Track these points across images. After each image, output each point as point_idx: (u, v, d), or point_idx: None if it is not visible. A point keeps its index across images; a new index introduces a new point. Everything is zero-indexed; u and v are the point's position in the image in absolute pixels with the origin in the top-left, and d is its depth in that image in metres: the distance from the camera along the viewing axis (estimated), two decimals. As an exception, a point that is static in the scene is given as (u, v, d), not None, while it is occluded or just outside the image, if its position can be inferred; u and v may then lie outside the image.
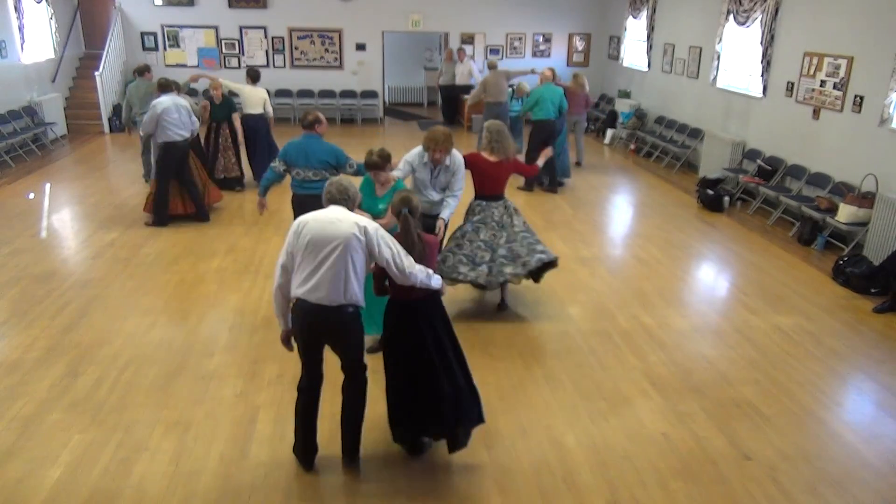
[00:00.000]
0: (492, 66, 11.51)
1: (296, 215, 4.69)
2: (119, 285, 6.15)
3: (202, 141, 8.87)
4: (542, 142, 9.20)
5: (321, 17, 14.14)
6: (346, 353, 3.66)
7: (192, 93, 9.43)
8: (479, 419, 3.77)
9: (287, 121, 14.46)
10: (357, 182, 4.02)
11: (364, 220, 3.45)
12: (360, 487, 3.60)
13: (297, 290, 3.43)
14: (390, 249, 3.40)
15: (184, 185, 7.65)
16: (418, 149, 5.19)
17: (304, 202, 5.00)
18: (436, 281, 3.58)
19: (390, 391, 3.76)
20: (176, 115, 7.35)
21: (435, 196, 5.29)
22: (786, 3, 8.67)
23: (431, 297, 3.65)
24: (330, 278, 3.35)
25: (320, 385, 3.73)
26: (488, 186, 5.46)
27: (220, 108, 8.90)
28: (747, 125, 9.60)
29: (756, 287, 6.38)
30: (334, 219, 3.41)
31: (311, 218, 3.44)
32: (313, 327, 3.49)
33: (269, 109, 9.42)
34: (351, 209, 3.55)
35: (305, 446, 3.76)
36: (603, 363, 4.93)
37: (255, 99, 9.22)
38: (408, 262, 3.43)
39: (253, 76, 9.42)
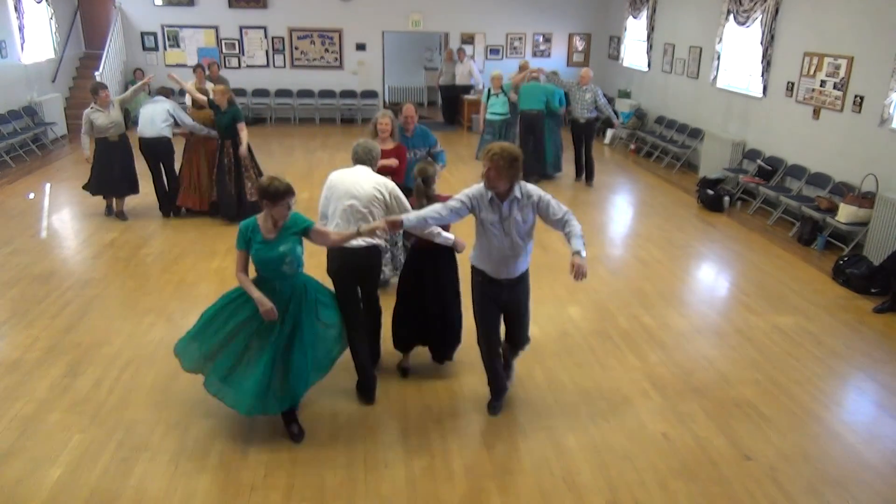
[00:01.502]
0: (523, 68, 10.96)
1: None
2: (119, 285, 6.15)
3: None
4: (525, 130, 9.81)
5: (321, 17, 14.15)
6: (367, 288, 4.46)
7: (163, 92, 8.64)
8: (457, 341, 4.72)
9: (287, 121, 14.48)
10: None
11: (382, 180, 4.25)
12: (361, 487, 3.59)
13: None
14: (402, 203, 4.23)
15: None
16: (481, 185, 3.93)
17: None
18: (443, 238, 4.19)
19: (402, 313, 4.61)
20: (148, 115, 7.73)
21: (506, 248, 3.87)
22: (786, 3, 8.67)
23: (448, 249, 4.37)
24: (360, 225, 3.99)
25: (358, 318, 4.31)
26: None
27: (224, 119, 7.54)
28: (747, 125, 9.60)
29: (756, 287, 6.38)
30: (360, 179, 4.20)
31: (340, 174, 4.29)
32: (346, 267, 4.20)
33: None
34: (373, 168, 4.36)
35: (364, 381, 4.39)
36: (603, 363, 4.93)
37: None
38: (413, 214, 3.98)
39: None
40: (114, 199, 7.99)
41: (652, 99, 12.73)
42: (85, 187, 7.93)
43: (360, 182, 4.18)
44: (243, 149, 7.52)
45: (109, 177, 7.70)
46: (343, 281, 4.23)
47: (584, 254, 3.73)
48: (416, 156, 5.89)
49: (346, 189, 4.16)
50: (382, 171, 4.73)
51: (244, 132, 7.54)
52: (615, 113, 11.10)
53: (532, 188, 3.86)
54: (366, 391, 4.35)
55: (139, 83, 8.03)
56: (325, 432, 4.03)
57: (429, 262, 4.47)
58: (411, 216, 3.84)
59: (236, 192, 7.69)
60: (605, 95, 9.96)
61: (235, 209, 7.66)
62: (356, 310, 4.29)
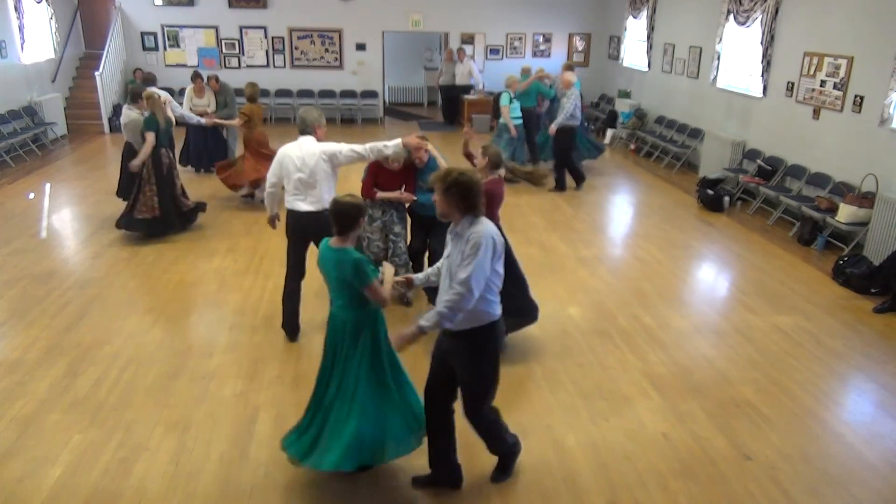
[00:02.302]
0: (526, 72, 11.01)
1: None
2: (119, 285, 6.15)
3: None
4: (523, 126, 9.97)
5: (321, 17, 14.15)
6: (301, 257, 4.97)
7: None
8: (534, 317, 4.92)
9: (287, 121, 14.47)
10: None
11: (320, 148, 4.73)
12: (361, 488, 3.59)
13: (288, 203, 4.83)
14: (345, 152, 4.75)
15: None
16: None
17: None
18: (392, 147, 4.76)
19: None
20: None
21: (444, 289, 3.28)
22: (786, 3, 8.67)
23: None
24: (310, 192, 4.75)
25: (302, 278, 5.04)
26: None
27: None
28: (747, 125, 9.60)
29: (756, 287, 6.38)
30: (304, 153, 4.74)
31: (287, 150, 4.80)
32: (301, 228, 4.83)
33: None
34: (317, 136, 4.84)
35: (291, 323, 5.10)
36: (603, 363, 4.93)
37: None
38: (361, 148, 4.75)
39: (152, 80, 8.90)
40: None
41: (652, 99, 12.72)
42: (119, 193, 7.77)
43: (304, 157, 4.74)
44: (135, 162, 6.95)
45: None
46: (293, 238, 4.95)
47: (424, 329, 3.09)
48: (421, 188, 5.47)
49: (294, 165, 4.75)
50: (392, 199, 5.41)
51: (147, 144, 6.90)
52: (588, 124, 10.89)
53: (482, 231, 3.08)
54: (290, 331, 5.13)
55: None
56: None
57: None
58: (420, 276, 3.58)
59: (173, 202, 7.25)
60: (583, 101, 9.80)
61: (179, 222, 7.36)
62: (299, 263, 4.98)
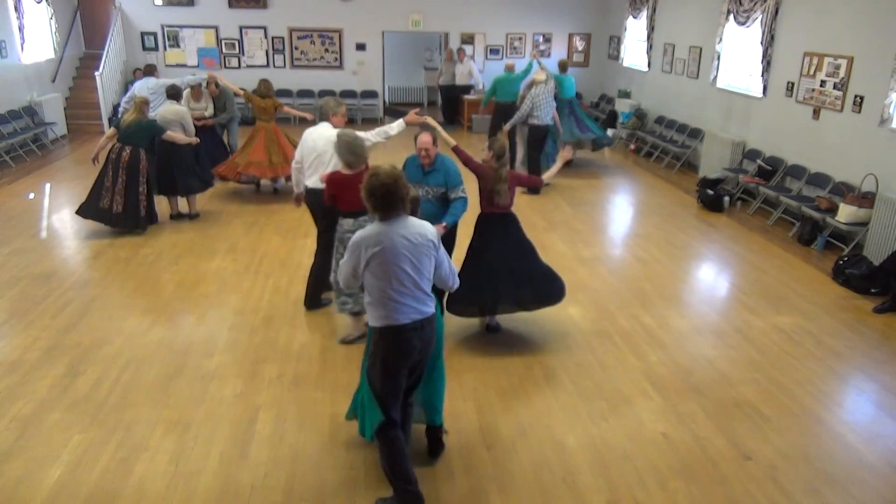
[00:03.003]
0: (509, 69, 11.21)
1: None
2: (119, 285, 6.15)
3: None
4: (499, 121, 9.85)
5: (321, 17, 14.15)
6: (322, 227, 5.41)
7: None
8: (560, 295, 5.06)
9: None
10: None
11: (332, 134, 5.08)
12: (361, 487, 3.60)
13: (306, 181, 5.42)
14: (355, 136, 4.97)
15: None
16: None
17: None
18: (396, 127, 5.45)
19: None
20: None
21: None
22: (786, 3, 8.67)
23: (511, 213, 5.05)
24: (319, 172, 5.22)
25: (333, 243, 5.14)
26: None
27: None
28: (747, 125, 9.60)
29: (756, 287, 6.38)
30: (318, 137, 5.33)
31: (307, 133, 5.42)
32: (310, 201, 5.44)
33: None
34: (332, 122, 5.45)
35: (311, 296, 5.60)
36: (603, 363, 4.93)
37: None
38: (369, 134, 5.20)
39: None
40: (177, 200, 7.95)
41: (652, 99, 12.72)
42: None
43: (318, 141, 5.31)
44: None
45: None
46: (310, 211, 5.57)
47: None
48: (429, 195, 4.84)
49: (311, 147, 5.36)
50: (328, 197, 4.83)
51: (104, 136, 7.39)
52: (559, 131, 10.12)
53: (358, 235, 3.20)
54: (308, 304, 5.61)
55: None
56: (325, 432, 4.03)
57: (503, 222, 5.03)
58: None
59: (139, 201, 7.29)
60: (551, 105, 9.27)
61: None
62: (322, 232, 5.38)
